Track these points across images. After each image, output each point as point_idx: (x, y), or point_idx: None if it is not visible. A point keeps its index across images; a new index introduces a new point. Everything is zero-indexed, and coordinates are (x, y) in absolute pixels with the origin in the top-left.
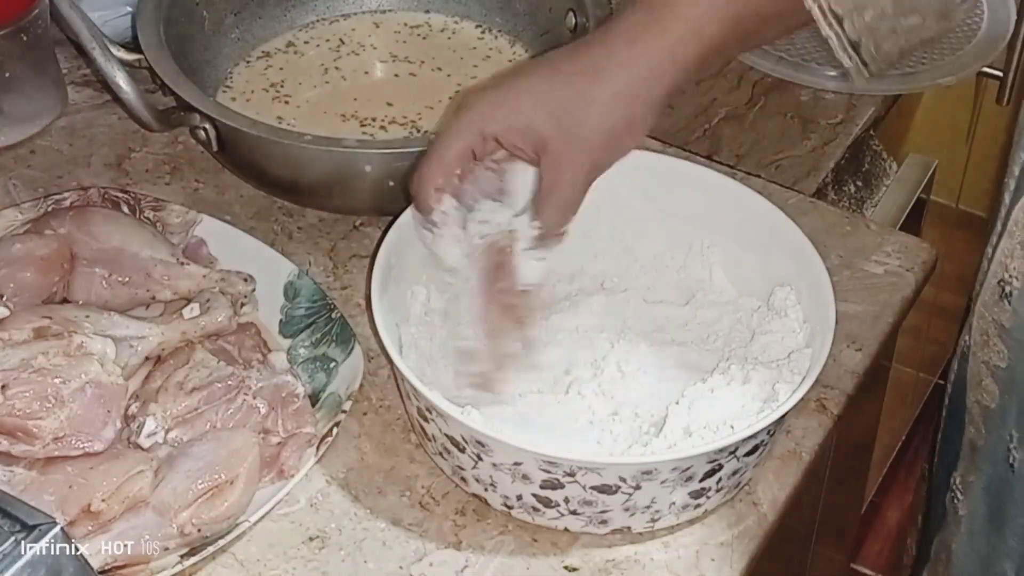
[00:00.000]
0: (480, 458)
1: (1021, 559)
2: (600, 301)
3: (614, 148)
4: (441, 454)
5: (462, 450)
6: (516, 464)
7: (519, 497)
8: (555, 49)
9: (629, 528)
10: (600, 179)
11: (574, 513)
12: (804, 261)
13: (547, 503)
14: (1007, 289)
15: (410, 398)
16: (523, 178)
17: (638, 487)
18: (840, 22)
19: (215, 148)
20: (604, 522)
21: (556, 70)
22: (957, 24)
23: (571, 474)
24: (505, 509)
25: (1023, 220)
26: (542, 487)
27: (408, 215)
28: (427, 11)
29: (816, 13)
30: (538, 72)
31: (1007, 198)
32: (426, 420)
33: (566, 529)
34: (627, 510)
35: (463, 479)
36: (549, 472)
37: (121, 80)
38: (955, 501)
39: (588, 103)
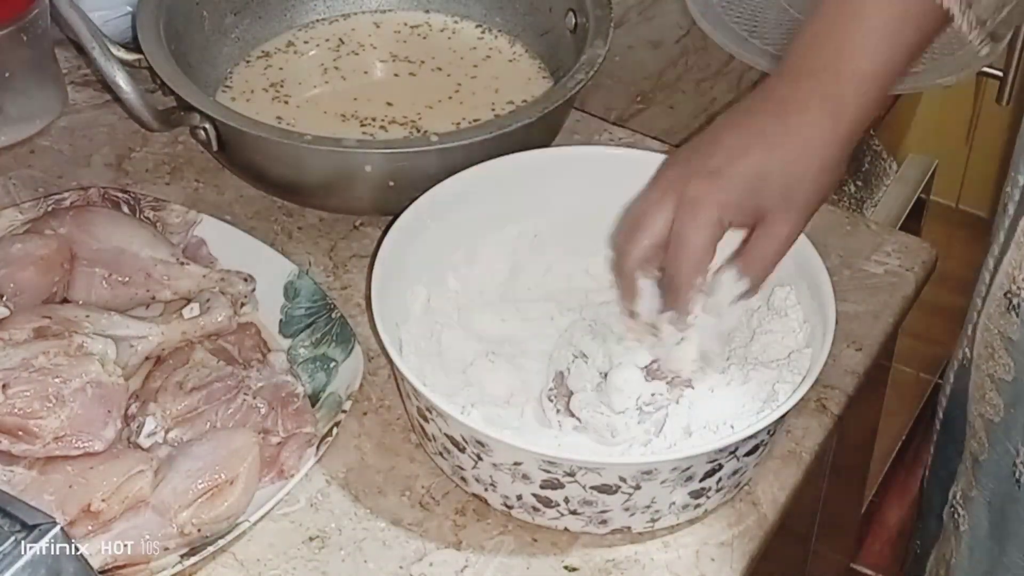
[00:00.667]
0: (480, 458)
1: None
2: (600, 300)
3: (821, 197)
4: (441, 454)
5: (462, 450)
6: (516, 464)
7: (519, 497)
8: (743, 112)
9: (629, 528)
10: (601, 178)
11: (574, 513)
12: (804, 261)
13: (547, 503)
14: (1015, 301)
15: (410, 398)
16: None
17: (638, 487)
18: (971, 5)
19: (215, 148)
20: (604, 522)
21: (761, 139)
22: None
23: (571, 474)
24: (505, 509)
25: None
26: (542, 487)
27: (408, 215)
28: (427, 11)
29: (954, 9)
30: (740, 142)
31: (1011, 208)
32: (426, 420)
33: (566, 529)
34: (627, 510)
35: (463, 479)
36: (549, 472)
37: (121, 80)
38: (955, 516)
39: (802, 171)
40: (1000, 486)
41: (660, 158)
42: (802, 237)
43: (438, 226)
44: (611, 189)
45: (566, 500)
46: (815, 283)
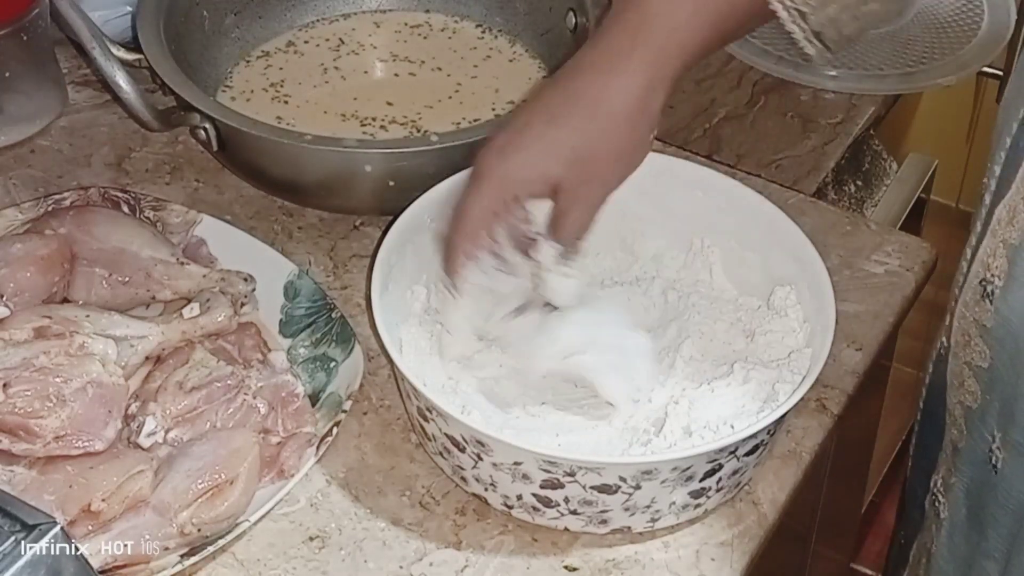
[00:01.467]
0: (480, 458)
1: (1007, 559)
2: (600, 299)
3: (623, 168)
4: (441, 454)
5: (462, 450)
6: (516, 464)
7: (519, 497)
8: (545, 83)
9: (629, 528)
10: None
11: (574, 513)
12: (804, 261)
13: (547, 503)
14: (988, 288)
15: (410, 398)
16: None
17: (638, 487)
18: (804, 17)
19: (215, 148)
20: (604, 522)
21: (553, 114)
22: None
23: (571, 474)
24: (505, 509)
25: (1006, 218)
26: (542, 487)
27: (408, 215)
28: (427, 11)
29: (781, 12)
30: (537, 118)
31: (987, 198)
32: (426, 420)
33: (566, 529)
34: (627, 510)
35: (463, 479)
36: (549, 472)
37: (121, 80)
38: (936, 503)
39: (592, 139)
40: (977, 472)
41: (660, 157)
42: (802, 237)
43: (438, 226)
44: None
45: (566, 500)
46: (815, 283)
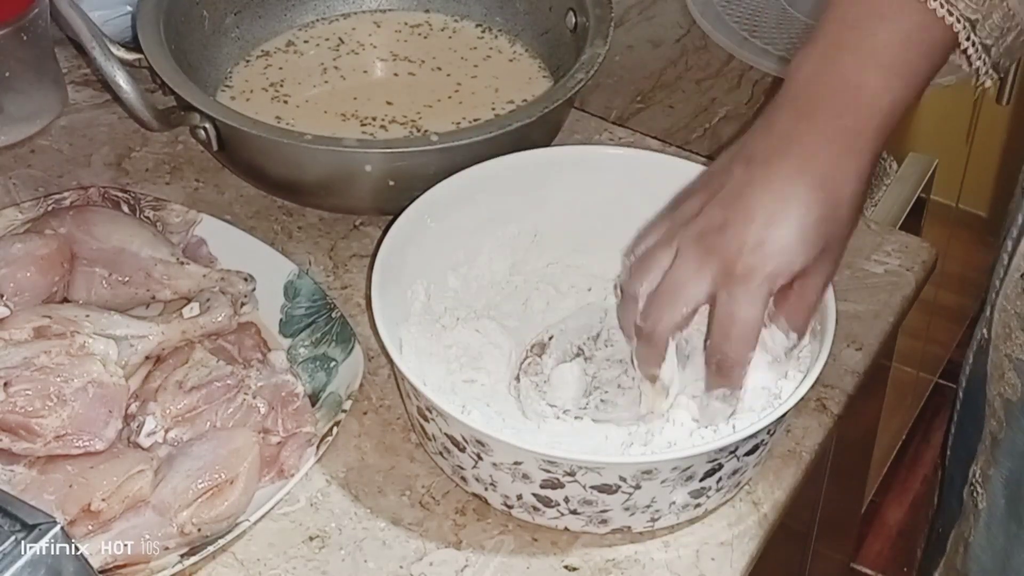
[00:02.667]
0: (480, 457)
1: None
2: (598, 300)
3: (851, 233)
4: (441, 453)
5: (462, 449)
6: (516, 464)
7: (519, 497)
8: (762, 163)
9: (629, 528)
10: (600, 179)
11: (574, 513)
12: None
13: (547, 502)
14: None
15: (410, 397)
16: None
17: (638, 487)
18: (988, 51)
19: (215, 147)
20: (604, 521)
21: (800, 200)
22: None
23: (571, 473)
24: (505, 509)
25: None
26: (542, 486)
27: (408, 215)
28: (427, 10)
29: (972, 51)
30: (781, 205)
31: None
32: (426, 420)
33: (566, 528)
34: (627, 510)
35: (463, 478)
36: (549, 472)
37: (121, 79)
38: (974, 494)
39: (837, 225)
40: (1016, 464)
41: (660, 157)
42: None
43: (438, 226)
44: (611, 188)
45: (566, 500)
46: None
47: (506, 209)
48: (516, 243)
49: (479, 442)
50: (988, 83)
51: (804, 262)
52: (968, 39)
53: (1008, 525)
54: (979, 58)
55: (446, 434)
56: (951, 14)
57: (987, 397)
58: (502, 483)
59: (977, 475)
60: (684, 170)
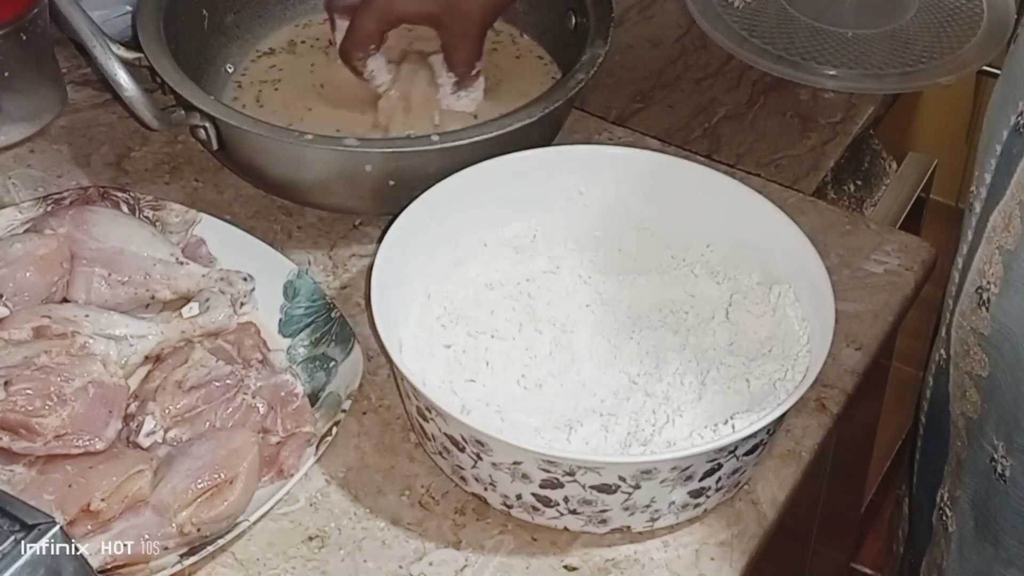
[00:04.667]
0: (479, 457)
1: None
2: (598, 301)
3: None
4: (440, 453)
5: (461, 449)
6: (515, 463)
7: (518, 496)
8: None
9: (628, 527)
10: (600, 178)
11: (574, 512)
12: (803, 260)
13: (547, 502)
14: (984, 296)
15: (409, 397)
16: None
17: (637, 486)
18: None
19: (215, 147)
20: (604, 521)
21: None
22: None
23: (571, 473)
24: (504, 508)
25: (1001, 224)
26: (541, 486)
27: (408, 214)
28: None
29: None
30: None
31: (978, 206)
32: (425, 419)
33: (565, 528)
34: (626, 509)
35: (462, 478)
36: (548, 471)
37: (122, 79)
38: (943, 518)
39: None
40: (981, 483)
41: (659, 157)
42: (801, 236)
43: (438, 226)
44: (610, 188)
45: (565, 500)
46: (814, 282)
47: (505, 208)
48: (515, 243)
49: (478, 442)
50: None
51: (422, 7)
52: None
53: (981, 547)
54: None
55: (445, 434)
56: None
57: (951, 417)
58: (501, 483)
59: (945, 498)
60: (683, 170)
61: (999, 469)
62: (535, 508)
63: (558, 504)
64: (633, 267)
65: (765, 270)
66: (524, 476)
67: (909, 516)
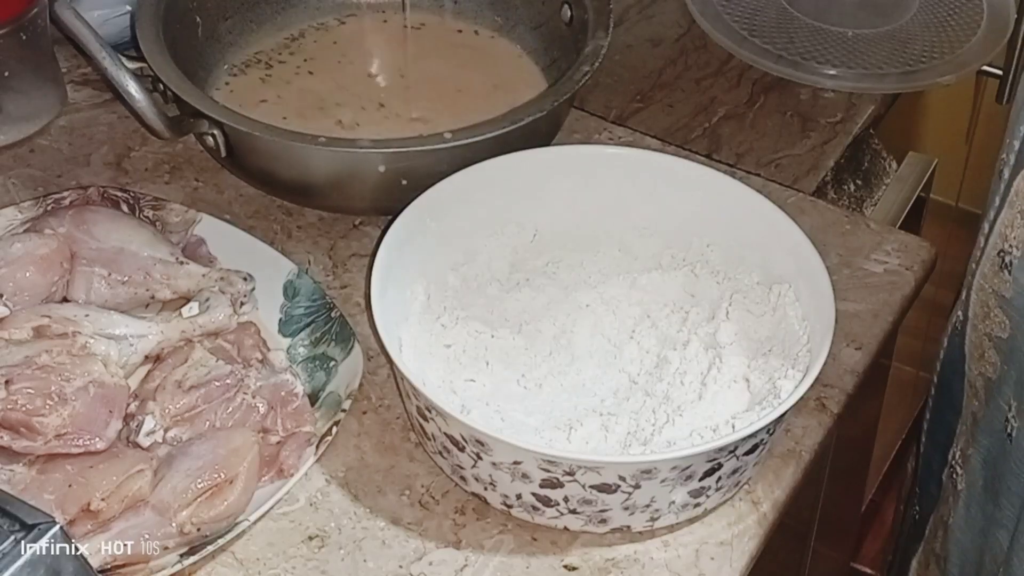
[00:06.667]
0: (480, 457)
1: (1016, 527)
2: (598, 301)
3: None
4: (440, 453)
5: (461, 449)
6: (515, 463)
7: (518, 496)
8: None
9: (628, 527)
10: (600, 178)
11: (573, 512)
12: (803, 259)
13: (547, 502)
14: (1007, 259)
15: (409, 397)
16: None
17: (637, 486)
18: None
19: (223, 154)
20: (603, 521)
21: None
22: None
23: (571, 473)
24: (504, 508)
25: None
26: (541, 486)
27: (408, 214)
28: (420, 10)
29: None
30: None
31: (1006, 172)
32: (425, 419)
33: (565, 528)
34: (626, 509)
35: (462, 478)
36: (548, 471)
37: (132, 88)
38: (954, 476)
39: None
40: (993, 442)
41: (659, 157)
42: (801, 236)
43: (437, 226)
44: (610, 188)
45: (565, 499)
46: (814, 281)
47: (505, 208)
48: (515, 242)
49: (479, 442)
50: None
51: None
52: None
53: (985, 504)
54: None
55: (445, 434)
56: None
57: (968, 378)
58: (501, 483)
59: (957, 456)
60: (683, 170)
61: (1009, 429)
62: (535, 508)
63: (558, 504)
64: (633, 267)
65: (765, 270)
66: (524, 476)
67: (915, 475)
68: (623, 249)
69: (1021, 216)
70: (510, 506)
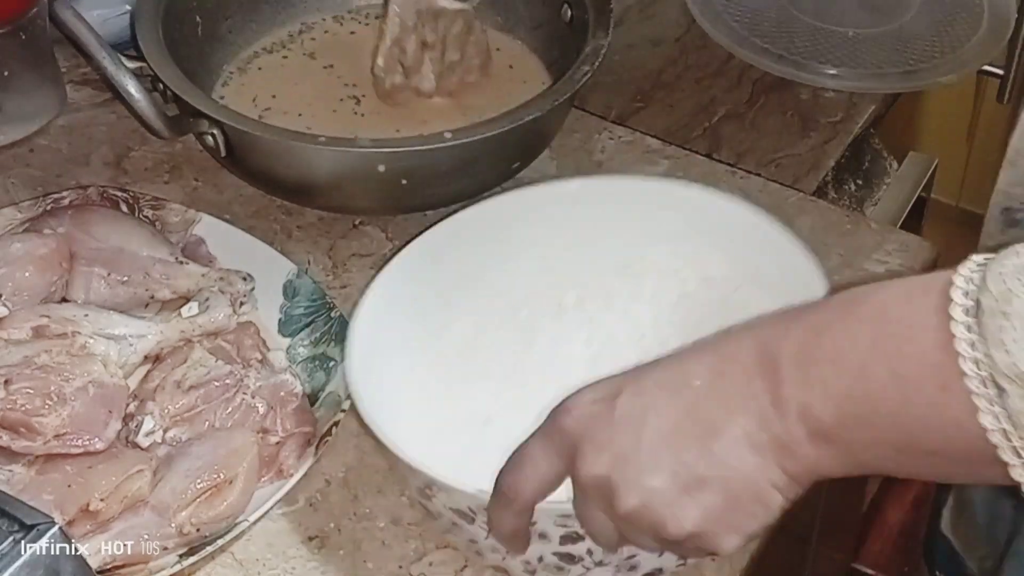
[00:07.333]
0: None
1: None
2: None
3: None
4: (449, 531)
5: (471, 521)
6: (530, 524)
7: (540, 559)
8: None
9: (660, 570)
10: (601, 185)
11: (600, 564)
12: (795, 267)
13: (569, 559)
14: (1019, 216)
15: (407, 478)
16: None
17: None
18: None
19: (223, 154)
20: (633, 568)
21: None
22: None
23: None
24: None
25: None
26: (561, 543)
27: (373, 292)
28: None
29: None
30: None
31: (1014, 137)
32: (428, 499)
33: None
34: (655, 550)
35: (478, 552)
36: (566, 526)
37: (132, 88)
38: None
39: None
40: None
41: (646, 183)
42: (794, 243)
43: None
44: (607, 208)
45: (589, 552)
46: (810, 289)
47: (472, 267)
48: (504, 293)
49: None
50: None
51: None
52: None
53: None
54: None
55: (451, 508)
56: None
57: None
58: None
59: None
60: (676, 191)
61: None
62: (559, 568)
63: (582, 559)
64: (634, 285)
65: (758, 279)
66: (542, 536)
67: None
68: (617, 273)
69: None
70: (533, 572)
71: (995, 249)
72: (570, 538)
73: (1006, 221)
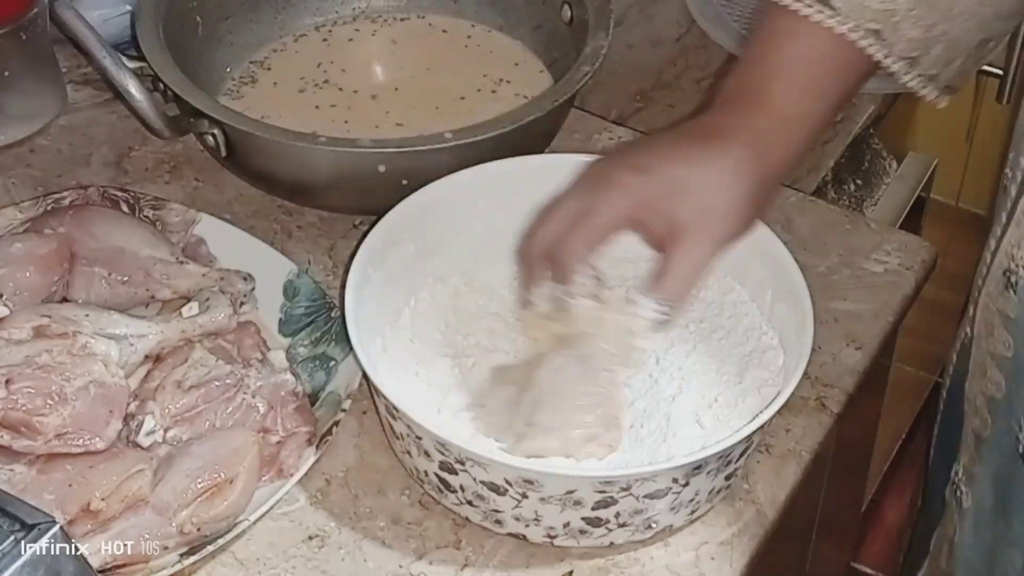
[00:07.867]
0: (525, 496)
1: None
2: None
3: (738, 233)
4: (471, 503)
5: (502, 493)
6: (568, 492)
7: (565, 525)
8: (674, 133)
9: (671, 526)
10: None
11: (623, 526)
12: (782, 271)
13: (595, 523)
14: (1013, 279)
15: (430, 456)
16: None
17: (687, 484)
18: (913, 64)
19: (223, 154)
20: (650, 527)
21: (692, 159)
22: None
23: (627, 488)
24: (547, 540)
25: None
26: (594, 508)
27: (354, 271)
28: (421, 10)
29: (893, 66)
30: (677, 157)
31: (1012, 189)
32: (454, 472)
33: (611, 544)
34: (672, 509)
35: (498, 521)
36: (604, 491)
37: (133, 88)
38: (957, 493)
39: (723, 195)
40: (1004, 461)
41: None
42: (781, 247)
43: (378, 275)
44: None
45: (617, 515)
46: (793, 290)
47: (438, 240)
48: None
49: (527, 481)
50: (942, 103)
51: (675, 212)
52: (909, 75)
53: (996, 523)
54: (923, 88)
55: (482, 482)
56: (858, 32)
57: (966, 395)
58: (548, 516)
59: (960, 474)
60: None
61: (1021, 449)
62: (582, 532)
63: (608, 522)
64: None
65: (745, 279)
66: (576, 503)
67: (924, 489)
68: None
69: None
70: (553, 537)
71: (997, 312)
72: (603, 503)
73: (1005, 283)
